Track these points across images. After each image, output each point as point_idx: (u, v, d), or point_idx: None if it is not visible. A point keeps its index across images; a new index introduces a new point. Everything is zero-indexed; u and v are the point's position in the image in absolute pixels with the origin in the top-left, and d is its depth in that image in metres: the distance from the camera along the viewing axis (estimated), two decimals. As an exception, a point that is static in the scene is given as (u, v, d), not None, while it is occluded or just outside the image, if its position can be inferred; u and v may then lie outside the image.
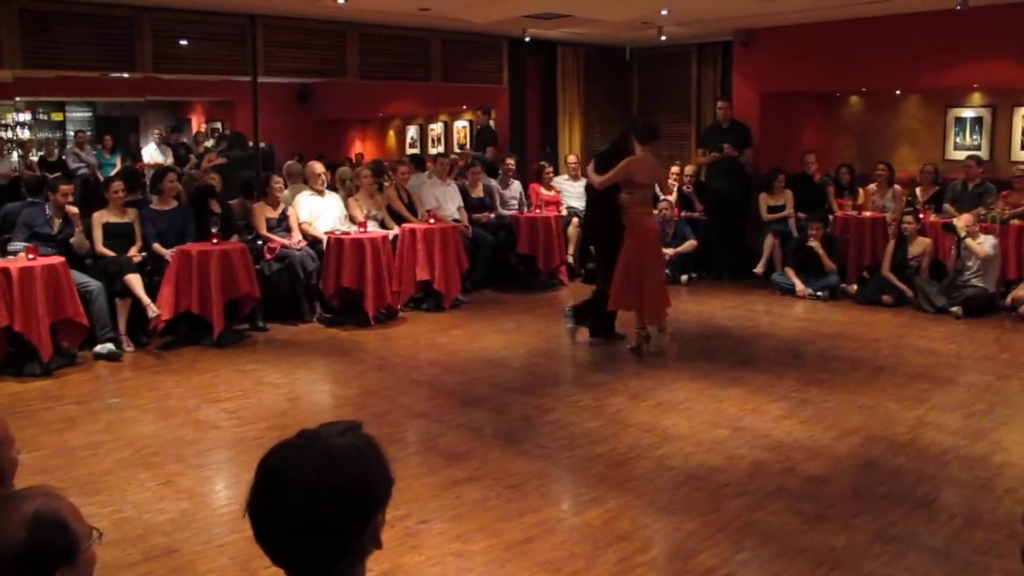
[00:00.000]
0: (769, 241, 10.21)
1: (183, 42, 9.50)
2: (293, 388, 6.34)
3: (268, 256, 8.14)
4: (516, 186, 10.62)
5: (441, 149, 13.66)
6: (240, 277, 7.45)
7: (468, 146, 13.22)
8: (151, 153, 12.39)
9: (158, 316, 7.11)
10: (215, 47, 9.73)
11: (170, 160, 11.87)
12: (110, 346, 6.98)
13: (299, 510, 1.44)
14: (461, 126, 14.00)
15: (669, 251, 10.32)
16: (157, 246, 7.58)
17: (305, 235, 8.44)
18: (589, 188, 7.63)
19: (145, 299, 7.10)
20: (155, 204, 7.89)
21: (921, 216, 9.43)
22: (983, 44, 9.39)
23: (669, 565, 3.75)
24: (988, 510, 4.22)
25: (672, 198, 11.13)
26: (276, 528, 1.47)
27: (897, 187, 10.18)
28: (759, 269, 10.19)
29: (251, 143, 10.45)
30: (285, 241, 8.23)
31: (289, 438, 1.53)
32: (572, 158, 11.48)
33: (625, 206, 7.06)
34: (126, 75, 9.99)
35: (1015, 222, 9.07)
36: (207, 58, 9.73)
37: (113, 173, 9.91)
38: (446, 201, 9.64)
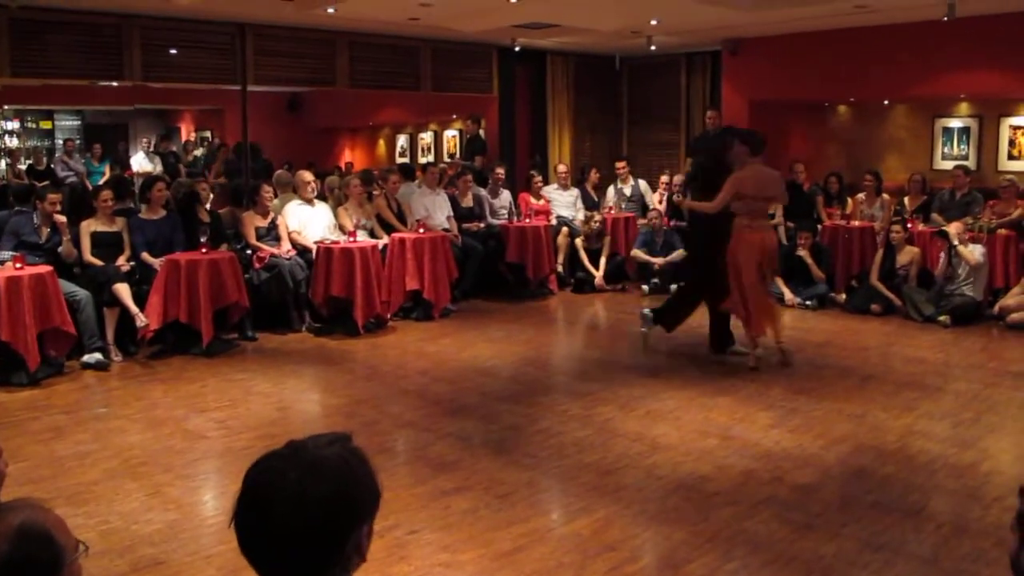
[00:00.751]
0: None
1: (172, 51, 9.51)
2: (282, 397, 6.32)
3: (257, 265, 8.12)
4: (506, 195, 10.63)
5: (431, 158, 13.69)
6: (229, 286, 7.43)
7: (458, 155, 13.25)
8: (140, 161, 12.37)
9: (146, 326, 7.08)
10: (205, 56, 9.75)
11: (159, 169, 11.85)
12: (98, 355, 6.95)
13: (283, 520, 1.43)
14: (451, 135, 14.03)
15: (658, 260, 10.36)
16: (145, 255, 7.55)
17: (294, 244, 8.43)
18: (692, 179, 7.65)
19: (133, 308, 7.07)
20: (144, 213, 7.86)
21: (909, 225, 9.46)
22: (969, 55, 9.47)
23: (659, 574, 3.75)
24: (976, 519, 4.23)
25: (661, 207, 11.16)
26: (260, 538, 1.46)
27: (885, 196, 10.23)
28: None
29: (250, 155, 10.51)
30: (274, 250, 8.22)
31: (277, 448, 1.53)
32: (562, 167, 11.49)
33: (736, 215, 7.07)
34: (115, 83, 9.98)
35: (1002, 231, 9.12)
36: (196, 67, 9.74)
37: (102, 182, 9.90)
38: (435, 210, 9.64)
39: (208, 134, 14.37)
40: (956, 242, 8.65)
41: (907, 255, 9.15)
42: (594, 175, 11.71)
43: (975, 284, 8.74)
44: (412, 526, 4.09)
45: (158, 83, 9.85)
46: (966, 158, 10.69)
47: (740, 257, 6.97)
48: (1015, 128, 10.45)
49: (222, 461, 4.98)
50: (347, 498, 1.47)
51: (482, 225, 10.17)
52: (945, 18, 8.77)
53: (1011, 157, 10.47)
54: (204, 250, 7.49)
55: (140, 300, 7.20)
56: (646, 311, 7.67)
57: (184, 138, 14.41)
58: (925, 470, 4.88)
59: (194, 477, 4.78)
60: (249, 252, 8.24)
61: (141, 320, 7.06)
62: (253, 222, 8.35)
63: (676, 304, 7.64)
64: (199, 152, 13.86)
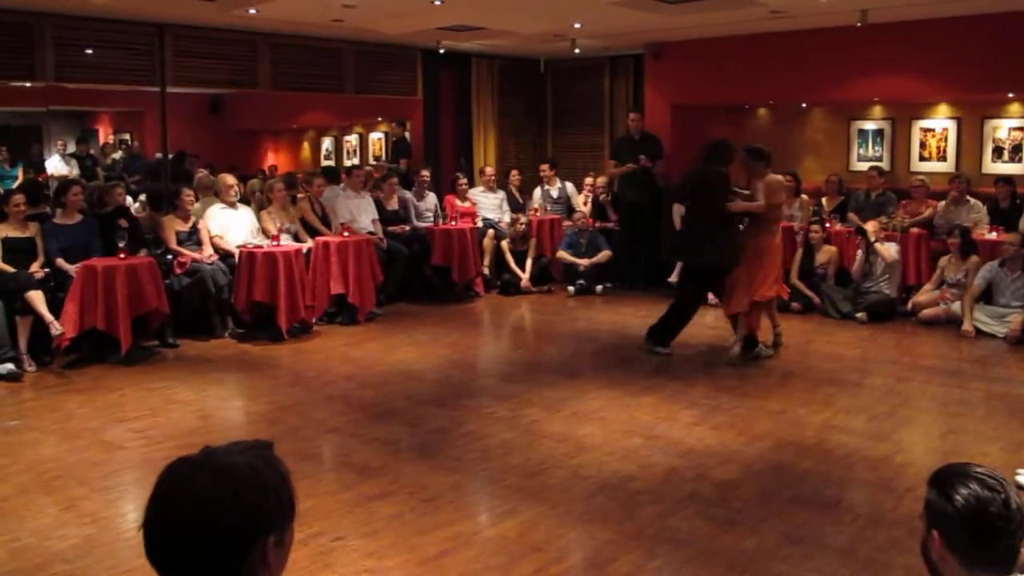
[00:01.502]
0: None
1: (88, 51, 9.25)
2: (204, 405, 6.21)
3: (178, 270, 7.96)
4: (431, 198, 10.60)
5: (356, 161, 13.58)
6: (148, 292, 7.27)
7: (383, 158, 13.17)
8: (55, 165, 11.99)
9: (62, 334, 6.88)
10: (122, 56, 9.50)
11: (76, 172, 11.52)
12: (10, 366, 6.72)
13: (183, 525, 1.41)
14: (376, 138, 13.94)
15: (584, 261, 10.44)
16: (60, 261, 7.35)
17: (216, 249, 8.28)
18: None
19: (48, 316, 6.87)
20: (58, 218, 7.64)
21: (827, 225, 9.70)
22: (883, 60, 9.74)
23: (584, 574, 3.77)
24: (890, 509, 4.36)
25: (587, 209, 11.25)
26: (162, 543, 1.43)
27: (804, 197, 10.46)
28: (673, 279, 10.34)
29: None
30: (196, 255, 8.07)
31: (190, 454, 1.51)
32: (488, 169, 11.52)
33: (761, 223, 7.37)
34: (27, 84, 9.67)
35: (914, 230, 9.42)
36: (113, 67, 9.49)
37: (14, 186, 9.59)
38: (360, 213, 9.57)
39: (127, 136, 14.03)
40: (874, 239, 8.90)
41: (825, 254, 9.38)
42: (515, 177, 11.75)
43: (890, 281, 9.02)
44: (337, 532, 4.05)
45: (73, 84, 9.57)
46: (880, 159, 11.00)
47: (773, 260, 7.42)
48: (925, 131, 10.79)
49: (141, 472, 4.86)
50: (251, 506, 1.43)
51: (407, 228, 10.12)
52: (858, 24, 9.03)
53: (922, 158, 10.80)
54: (122, 256, 7.31)
55: (55, 308, 6.99)
56: (656, 348, 7.60)
57: (102, 141, 14.03)
58: (842, 463, 5.00)
59: (111, 490, 4.65)
60: (170, 257, 8.07)
61: (56, 328, 6.86)
62: (173, 226, 8.19)
63: (674, 319, 7.65)
64: (118, 155, 13.51)
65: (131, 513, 4.41)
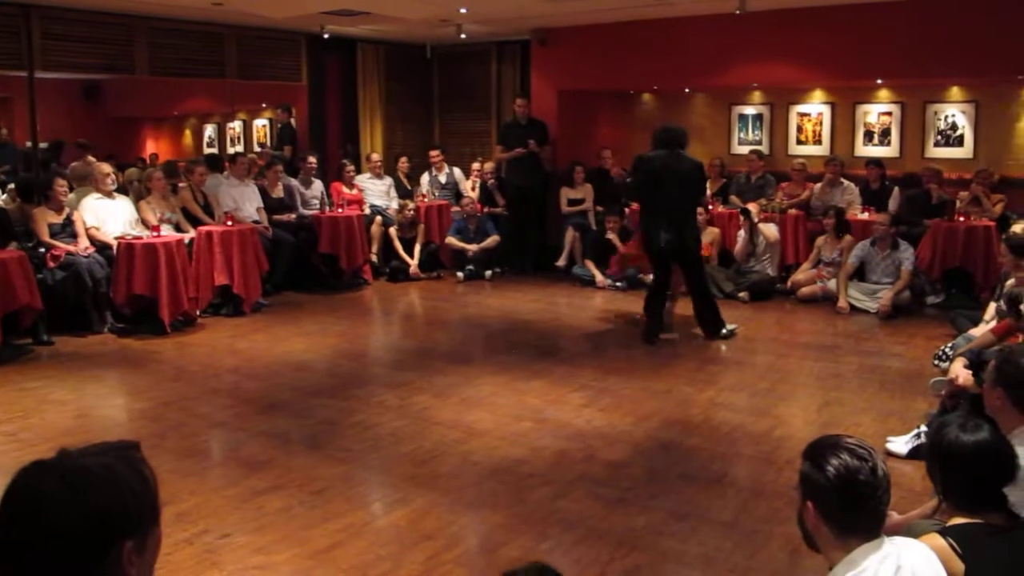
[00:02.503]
0: (570, 234, 10.51)
1: (-56, 33, 8.76)
2: (81, 404, 5.97)
3: (51, 264, 7.62)
4: (317, 185, 10.43)
5: (240, 148, 13.23)
6: (18, 287, 6.94)
7: (268, 145, 12.88)
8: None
9: (-76, 333, 6.53)
10: (-16, 39, 9.02)
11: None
12: None
13: (28, 529, 1.36)
14: (261, 124, 13.62)
15: (472, 247, 10.45)
16: (-80, 257, 6.96)
17: (93, 241, 7.96)
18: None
19: (-93, 315, 6.51)
20: (-83, 211, 7.24)
21: (710, 207, 9.94)
22: (761, 47, 10.02)
23: (476, 560, 3.78)
24: (770, 481, 4.52)
25: (474, 194, 11.26)
26: (8, 548, 1.37)
27: (687, 180, 10.68)
28: (561, 262, 10.48)
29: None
30: (70, 247, 7.74)
31: (45, 458, 1.45)
32: (375, 156, 11.39)
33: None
34: None
35: (792, 211, 9.75)
36: (-26, 51, 9.01)
37: None
38: (244, 202, 9.35)
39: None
40: (756, 220, 9.18)
41: (708, 236, 9.62)
42: (403, 164, 11.68)
43: (771, 260, 9.32)
44: (224, 530, 3.96)
45: (-71, 68, 9.07)
46: (760, 143, 11.34)
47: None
48: (802, 115, 11.16)
49: (9, 478, 4.63)
50: (99, 509, 1.38)
51: (293, 216, 9.93)
52: (737, 12, 9.26)
53: (799, 142, 11.17)
54: (-12, 250, 6.97)
55: (-85, 306, 6.63)
56: (669, 335, 7.62)
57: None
58: (726, 439, 5.16)
59: (-20, 495, 4.43)
60: (42, 251, 7.72)
61: (-83, 328, 6.50)
62: (45, 218, 7.83)
63: (655, 314, 7.61)
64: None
65: None
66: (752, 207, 9.39)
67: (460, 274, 10.44)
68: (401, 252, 10.50)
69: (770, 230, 9.25)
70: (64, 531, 1.36)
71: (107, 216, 8.18)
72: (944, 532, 2.41)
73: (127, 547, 1.40)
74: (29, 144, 10.03)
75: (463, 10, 9.85)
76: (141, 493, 1.44)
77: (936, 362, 6.04)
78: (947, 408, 4.59)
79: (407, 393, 6.04)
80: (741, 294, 9.07)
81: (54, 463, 1.42)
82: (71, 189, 8.50)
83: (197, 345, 7.53)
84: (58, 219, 7.90)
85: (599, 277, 9.82)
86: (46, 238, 7.77)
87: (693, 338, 7.62)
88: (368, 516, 4.21)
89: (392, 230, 10.58)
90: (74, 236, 7.91)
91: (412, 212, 10.58)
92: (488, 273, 10.46)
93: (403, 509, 4.21)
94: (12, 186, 9.19)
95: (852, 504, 2.12)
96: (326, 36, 11.54)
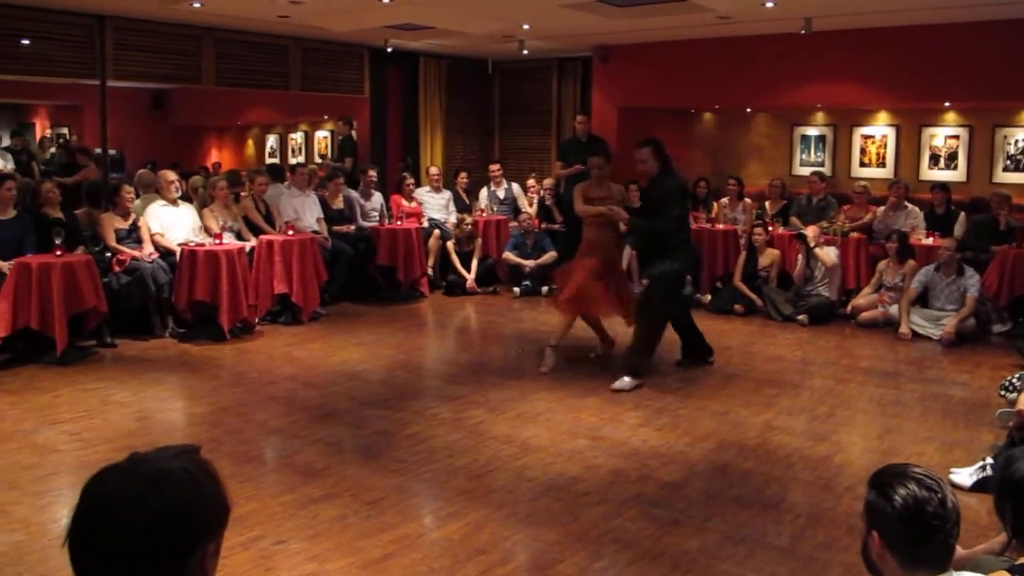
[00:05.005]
0: (627, 253, 10.44)
1: (24, 41, 9.01)
2: (142, 407, 6.07)
3: (117, 269, 7.79)
4: (377, 197, 10.53)
5: (301, 159, 13.44)
6: (85, 291, 7.10)
7: (329, 156, 13.06)
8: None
9: (-7, 333, 6.69)
10: (60, 48, 9.28)
11: (10, 166, 11.23)
12: (-61, 365, 6.53)
13: (119, 536, 1.34)
14: (322, 136, 13.82)
15: (529, 262, 10.45)
16: (-7, 258, 7.15)
17: (157, 247, 8.13)
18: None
19: (-21, 315, 6.68)
20: (-9, 213, 7.44)
21: (770, 228, 9.84)
22: (825, 67, 9.92)
23: (528, 576, 3.77)
24: (829, 508, 4.43)
25: (532, 210, 11.27)
26: (95, 556, 1.36)
27: (747, 200, 10.62)
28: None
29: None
30: (135, 253, 7.90)
31: (117, 461, 1.44)
32: (434, 169, 11.47)
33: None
34: (-41, 75, 9.42)
35: (854, 234, 9.60)
36: (51, 59, 9.26)
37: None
38: (305, 212, 9.46)
39: (65, 131, 13.72)
40: (813, 244, 9.05)
41: (768, 257, 9.51)
42: (463, 178, 11.73)
43: (830, 285, 9.17)
44: (279, 536, 3.99)
45: (8, 76, 9.33)
46: (822, 165, 11.21)
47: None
48: (865, 137, 11.01)
49: (75, 476, 4.73)
50: (190, 514, 1.38)
51: (352, 227, 10.04)
52: (803, 32, 9.18)
53: (862, 164, 11.03)
54: (58, 253, 7.13)
55: (-13, 306, 6.80)
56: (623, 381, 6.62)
57: (39, 135, 13.71)
58: (783, 464, 5.07)
59: (43, 494, 4.52)
60: (108, 255, 7.89)
61: (-12, 327, 6.66)
62: (112, 223, 8.01)
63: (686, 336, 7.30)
64: (55, 150, 13.21)
65: (64, 519, 4.27)
66: (810, 231, 9.24)
67: (516, 289, 10.44)
68: (458, 266, 10.54)
69: (828, 255, 9.09)
70: (154, 536, 1.35)
71: (171, 223, 8.34)
72: (1013, 571, 2.34)
73: (209, 549, 1.41)
74: (99, 151, 10.29)
75: (526, 26, 9.91)
76: (218, 496, 1.45)
77: (1003, 392, 5.85)
78: (1015, 440, 4.47)
79: (462, 406, 6.04)
80: (800, 317, 8.94)
81: (132, 468, 1.40)
82: (137, 196, 8.69)
83: (255, 352, 7.62)
84: (124, 225, 8.07)
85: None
86: (112, 243, 7.94)
87: (746, 358, 7.52)
88: (421, 528, 4.21)
89: (450, 244, 10.63)
90: (139, 242, 8.07)
91: (470, 226, 10.62)
92: (544, 289, 10.44)
93: (456, 523, 4.20)
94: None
95: (920, 536, 2.06)
96: (389, 50, 11.67)
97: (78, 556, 1.37)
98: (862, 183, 10.26)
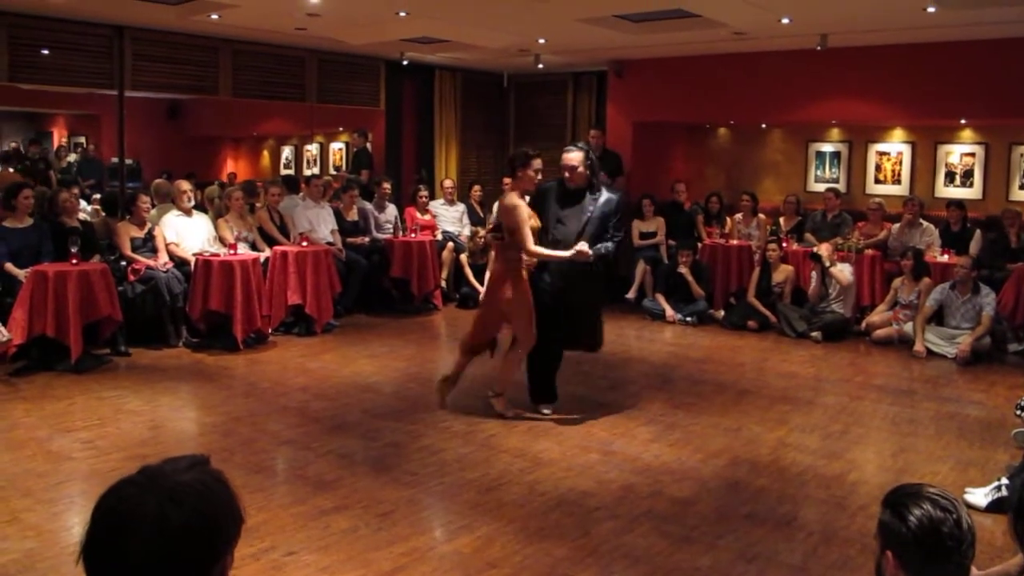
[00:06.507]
0: (640, 267, 10.44)
1: (44, 51, 9.10)
2: (155, 416, 6.09)
3: (132, 277, 7.83)
4: (391, 210, 10.55)
5: (316, 170, 13.48)
6: (100, 299, 7.13)
7: (344, 168, 13.10)
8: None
9: (9, 341, 6.71)
10: (79, 58, 9.36)
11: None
12: (-45, 372, 6.57)
13: (143, 553, 1.32)
14: (337, 148, 13.86)
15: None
16: (9, 266, 7.20)
17: (172, 256, 8.16)
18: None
19: (-5, 322, 6.72)
20: (8, 221, 7.48)
21: (784, 244, 9.81)
22: (841, 83, 9.90)
23: (538, 591, 3.75)
24: (843, 527, 4.39)
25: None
26: (117, 573, 1.34)
27: (762, 216, 10.60)
28: (631, 295, 10.41)
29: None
30: (150, 262, 7.94)
31: (130, 475, 1.43)
32: (448, 182, 11.49)
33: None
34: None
35: (869, 251, 9.56)
36: (70, 69, 9.35)
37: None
38: (319, 223, 9.50)
39: (83, 140, 13.81)
40: (828, 264, 9.01)
41: (782, 273, 9.48)
42: (476, 192, 11.74)
43: (844, 302, 9.13)
44: (290, 547, 3.99)
45: (27, 85, 9.41)
46: (837, 181, 11.18)
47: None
48: (881, 154, 10.98)
49: (88, 484, 4.74)
50: (211, 526, 1.38)
51: (367, 239, 10.06)
52: (818, 47, 9.18)
53: (877, 181, 11.00)
54: (74, 261, 7.17)
55: (3, 313, 6.85)
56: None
57: (56, 144, 13.80)
58: (796, 481, 5.04)
59: (56, 501, 4.53)
60: (124, 264, 7.93)
61: (3, 335, 6.69)
62: (128, 232, 8.06)
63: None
64: (72, 158, 13.29)
65: (77, 527, 4.30)
66: (825, 248, 9.19)
67: (528, 302, 10.41)
68: (471, 279, 10.54)
69: (843, 273, 9.05)
70: (180, 551, 1.34)
71: (186, 233, 8.38)
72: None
73: (227, 561, 1.41)
74: (115, 160, 10.35)
75: (542, 40, 9.94)
76: (234, 507, 1.45)
77: (1018, 412, 5.81)
78: (1031, 460, 4.43)
79: (473, 420, 6.03)
80: (814, 334, 8.90)
81: (148, 482, 1.39)
82: (153, 205, 8.74)
83: (268, 362, 7.64)
84: (140, 234, 8.12)
85: (669, 311, 9.73)
86: (128, 252, 7.98)
87: (760, 374, 7.49)
88: (432, 541, 4.20)
89: (463, 256, 10.64)
90: (154, 251, 8.11)
91: (484, 239, 10.62)
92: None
93: (468, 536, 4.19)
94: (97, 196, 9.48)
95: (935, 557, 2.05)
96: (405, 63, 11.72)
97: (98, 573, 1.35)
98: (877, 200, 10.23)
